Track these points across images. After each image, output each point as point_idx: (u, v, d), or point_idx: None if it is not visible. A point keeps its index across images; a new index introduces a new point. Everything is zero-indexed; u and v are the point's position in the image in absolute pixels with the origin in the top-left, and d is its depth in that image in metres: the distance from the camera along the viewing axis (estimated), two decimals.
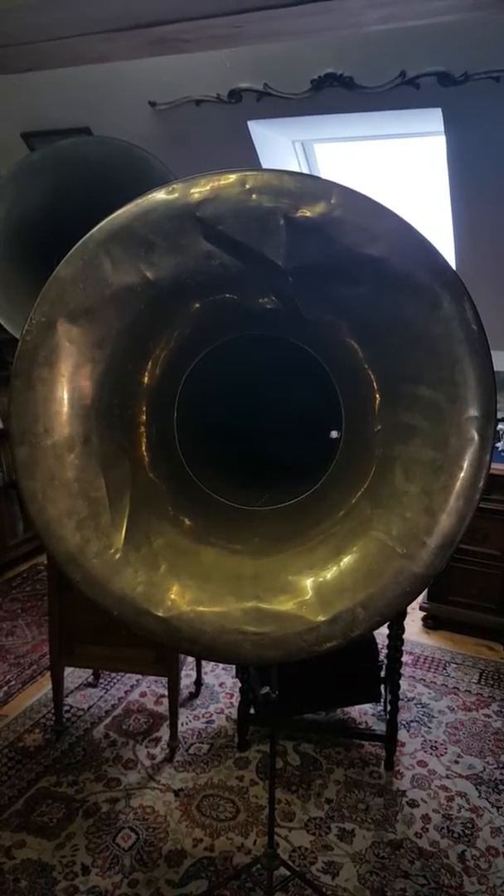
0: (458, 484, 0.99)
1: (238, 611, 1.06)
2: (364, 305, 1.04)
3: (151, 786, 2.24)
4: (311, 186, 1.01)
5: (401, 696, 2.43)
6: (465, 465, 0.99)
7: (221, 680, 2.77)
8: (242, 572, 1.12)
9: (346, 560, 1.05)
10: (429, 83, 2.29)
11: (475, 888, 1.88)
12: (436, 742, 2.44)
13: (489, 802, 2.17)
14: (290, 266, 1.04)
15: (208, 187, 1.02)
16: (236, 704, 2.44)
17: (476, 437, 0.98)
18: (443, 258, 0.99)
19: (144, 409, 1.18)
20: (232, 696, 2.67)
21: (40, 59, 2.35)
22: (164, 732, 2.47)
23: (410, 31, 2.10)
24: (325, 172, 3.19)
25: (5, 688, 2.74)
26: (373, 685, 2.34)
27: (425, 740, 2.44)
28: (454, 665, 2.88)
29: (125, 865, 1.95)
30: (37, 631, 3.17)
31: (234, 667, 2.64)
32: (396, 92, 2.35)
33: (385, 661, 2.32)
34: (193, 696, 2.68)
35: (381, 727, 2.43)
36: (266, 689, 1.59)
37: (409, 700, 2.64)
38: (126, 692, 2.70)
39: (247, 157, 2.86)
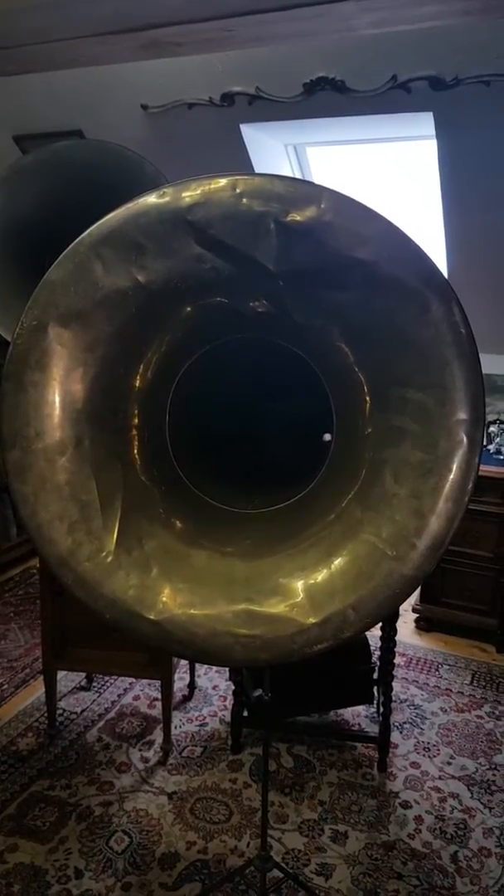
0: (447, 486, 0.99)
1: (229, 613, 1.06)
2: (354, 309, 1.05)
3: (145, 789, 2.23)
4: (302, 190, 1.02)
5: (393, 698, 2.44)
6: (454, 467, 0.99)
7: (215, 683, 2.77)
8: (234, 575, 1.12)
9: (337, 562, 1.06)
10: (420, 87, 2.30)
11: (467, 889, 1.89)
12: (428, 743, 2.44)
13: (481, 803, 2.18)
14: (280, 269, 1.04)
15: (199, 191, 1.03)
16: (230, 707, 2.44)
17: (465, 439, 0.99)
18: (432, 262, 1.00)
19: (136, 412, 1.19)
20: (225, 698, 2.67)
21: (32, 61, 2.35)
22: (158, 735, 2.47)
23: (402, 36, 2.11)
24: (318, 176, 3.20)
25: None
26: (366, 687, 2.35)
27: (418, 742, 2.45)
28: (447, 666, 2.89)
29: (118, 869, 1.95)
30: (29, 634, 3.16)
31: (227, 669, 2.64)
32: (388, 96, 2.36)
33: (378, 663, 2.33)
34: (187, 699, 2.68)
35: (373, 729, 2.43)
36: (259, 692, 1.59)
37: (401, 702, 2.65)
38: (119, 695, 2.70)
39: (239, 160, 2.86)
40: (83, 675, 2.74)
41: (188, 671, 2.73)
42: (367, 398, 1.08)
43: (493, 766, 2.34)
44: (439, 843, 2.03)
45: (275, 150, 3.01)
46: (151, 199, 1.05)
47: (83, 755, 2.38)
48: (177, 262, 1.06)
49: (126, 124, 2.84)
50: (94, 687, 2.74)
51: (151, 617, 1.07)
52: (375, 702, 2.45)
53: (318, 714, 2.55)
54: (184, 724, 2.54)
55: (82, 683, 2.75)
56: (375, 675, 2.35)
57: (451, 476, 0.99)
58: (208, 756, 2.38)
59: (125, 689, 2.73)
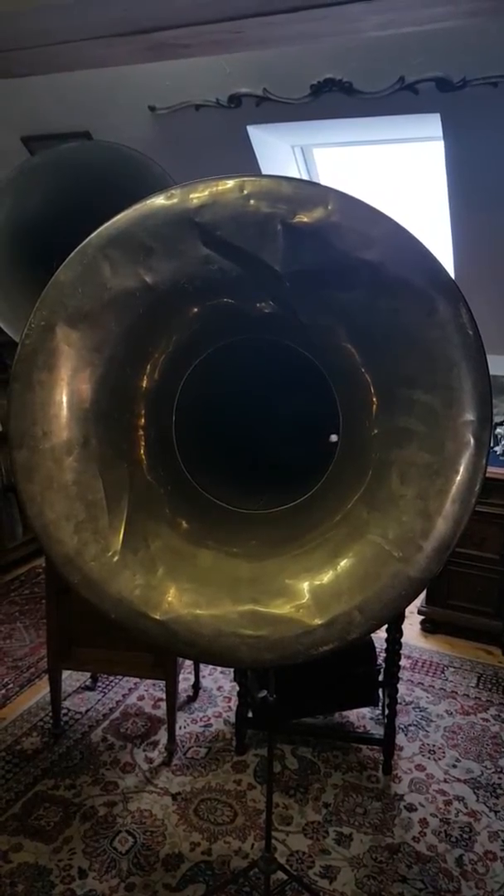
0: (454, 488, 0.99)
1: (235, 614, 1.06)
2: (361, 310, 1.05)
3: (149, 789, 2.24)
4: (309, 192, 1.02)
5: (399, 700, 2.43)
6: (461, 468, 0.99)
7: (220, 683, 2.77)
8: (239, 575, 1.12)
9: (343, 564, 1.06)
10: (427, 88, 2.30)
11: (472, 892, 1.88)
12: (434, 746, 2.43)
13: (487, 807, 2.17)
14: (287, 271, 1.04)
15: (207, 193, 1.03)
16: (234, 708, 2.44)
17: (472, 441, 0.99)
18: (439, 263, 1.00)
19: (143, 412, 1.19)
20: (230, 699, 2.67)
21: (41, 63, 2.36)
22: (162, 736, 2.47)
23: (409, 37, 2.11)
24: (325, 177, 3.21)
25: (3, 691, 2.74)
26: (371, 689, 2.34)
27: (423, 744, 2.44)
28: (452, 669, 2.88)
29: (122, 869, 1.95)
30: (35, 634, 3.17)
31: (232, 670, 2.64)
32: (395, 97, 2.36)
33: (383, 665, 2.32)
34: (191, 699, 2.68)
35: (379, 731, 2.42)
36: (264, 693, 1.59)
37: (407, 704, 2.64)
38: (124, 695, 2.70)
39: (246, 162, 2.87)
40: (88, 674, 2.75)
41: (193, 672, 2.73)
42: (374, 399, 1.08)
43: (498, 770, 2.33)
44: (444, 847, 2.03)
45: (282, 151, 3.01)
46: (159, 200, 1.05)
47: (87, 755, 2.38)
48: (184, 263, 1.06)
49: (133, 126, 2.85)
50: (99, 687, 2.74)
51: (157, 617, 1.07)
52: (380, 704, 2.44)
53: (323, 716, 2.55)
54: (188, 724, 2.54)
55: (87, 683, 2.75)
56: (380, 677, 2.34)
57: (458, 478, 0.99)
58: (213, 757, 2.38)
59: (130, 690, 2.73)
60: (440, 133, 2.47)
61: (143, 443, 1.19)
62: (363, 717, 2.57)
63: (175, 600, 1.08)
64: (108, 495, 1.11)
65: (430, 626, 3.16)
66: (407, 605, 1.07)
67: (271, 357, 1.22)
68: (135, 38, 2.06)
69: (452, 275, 1.15)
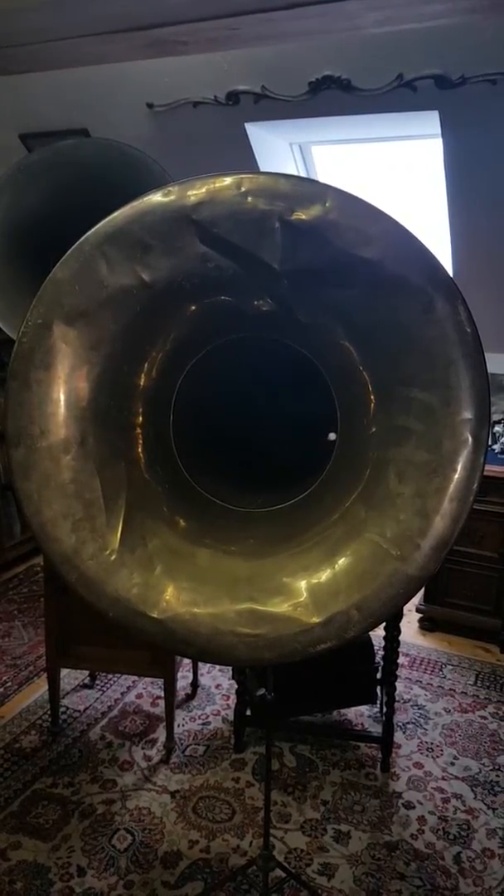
0: (452, 486, 0.99)
1: (232, 612, 1.06)
2: (359, 308, 1.04)
3: (147, 787, 2.24)
4: (307, 189, 1.02)
5: (397, 698, 2.43)
6: (459, 467, 0.99)
7: (218, 682, 2.77)
8: (237, 574, 1.12)
9: (341, 562, 1.05)
10: (426, 86, 2.30)
11: (470, 890, 1.89)
12: (432, 744, 2.44)
13: (485, 804, 2.18)
14: (285, 269, 1.04)
15: (204, 190, 1.03)
16: (233, 706, 2.44)
17: (470, 439, 0.99)
18: (437, 261, 0.99)
19: (141, 410, 1.19)
20: (228, 697, 2.67)
21: (38, 60, 2.35)
22: (161, 734, 2.47)
23: (407, 34, 2.10)
24: (323, 175, 3.20)
25: (1, 689, 2.74)
26: (369, 687, 2.34)
27: (421, 742, 2.45)
28: (450, 667, 2.88)
29: (121, 867, 1.95)
30: (33, 632, 3.17)
31: (230, 668, 2.64)
32: (394, 94, 2.36)
33: (381, 663, 2.32)
34: (190, 697, 2.68)
35: (377, 729, 2.43)
36: (262, 691, 1.59)
37: (405, 702, 2.64)
38: (122, 694, 2.70)
39: (244, 159, 2.86)
40: (86, 673, 2.74)
41: (191, 670, 2.73)
42: (372, 397, 1.08)
43: (496, 767, 2.33)
44: (442, 844, 2.03)
45: (280, 148, 3.01)
46: (156, 197, 1.05)
47: (86, 753, 2.38)
48: (181, 260, 1.06)
49: (131, 123, 2.84)
50: (98, 685, 2.74)
51: (154, 615, 1.07)
52: (379, 702, 2.44)
53: (322, 714, 2.55)
54: (187, 722, 2.54)
55: (85, 681, 2.75)
56: (379, 675, 2.34)
57: (456, 476, 0.99)
58: (211, 755, 2.38)
59: (128, 688, 2.73)
60: (439, 130, 2.46)
61: (140, 441, 1.19)
62: (361, 714, 2.57)
63: (173, 599, 1.08)
64: (106, 494, 1.11)
65: (429, 624, 3.16)
66: (405, 604, 1.07)
67: (269, 355, 1.22)
68: (133, 34, 2.06)
69: (450, 272, 1.15)
